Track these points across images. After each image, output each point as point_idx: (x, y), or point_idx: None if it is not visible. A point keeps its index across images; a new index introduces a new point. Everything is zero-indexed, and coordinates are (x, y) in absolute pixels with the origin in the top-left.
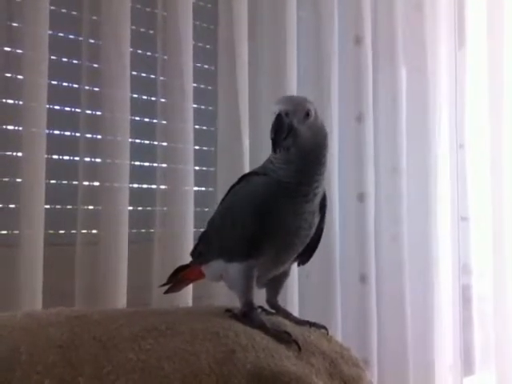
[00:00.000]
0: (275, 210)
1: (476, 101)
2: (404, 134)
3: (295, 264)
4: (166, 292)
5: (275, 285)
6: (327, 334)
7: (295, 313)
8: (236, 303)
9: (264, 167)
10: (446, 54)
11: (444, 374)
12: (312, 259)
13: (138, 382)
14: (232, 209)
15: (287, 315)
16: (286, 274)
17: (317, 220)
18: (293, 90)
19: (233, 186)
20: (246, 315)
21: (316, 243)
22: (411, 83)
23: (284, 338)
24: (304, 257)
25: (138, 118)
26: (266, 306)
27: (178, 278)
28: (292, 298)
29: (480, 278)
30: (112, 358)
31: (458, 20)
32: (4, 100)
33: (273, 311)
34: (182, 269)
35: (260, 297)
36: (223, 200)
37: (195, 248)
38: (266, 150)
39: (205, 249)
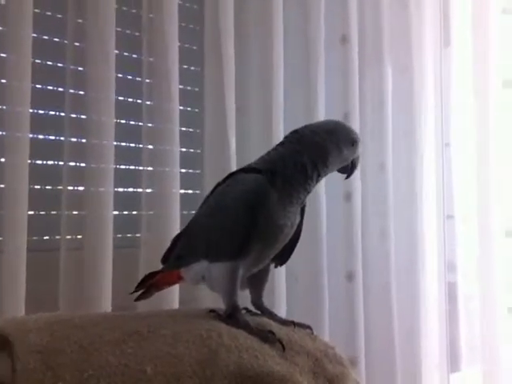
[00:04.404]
0: (267, 208)
1: (462, 99)
2: (390, 133)
3: (283, 266)
4: (137, 299)
5: (258, 285)
6: (312, 333)
7: (283, 311)
8: (221, 305)
9: (265, 166)
10: (431, 53)
11: (431, 371)
12: (299, 258)
13: None
14: (222, 207)
15: (272, 316)
16: (266, 273)
17: (297, 220)
18: (280, 90)
19: (218, 185)
20: (231, 316)
21: (294, 244)
22: (397, 82)
23: (268, 337)
24: (282, 258)
25: (123, 121)
26: (251, 308)
27: (148, 285)
28: (279, 296)
29: (465, 275)
30: (93, 362)
31: (444, 19)
32: None
33: (258, 312)
34: (152, 275)
35: (244, 298)
36: (207, 199)
37: (169, 252)
38: (252, 152)
39: (185, 251)
